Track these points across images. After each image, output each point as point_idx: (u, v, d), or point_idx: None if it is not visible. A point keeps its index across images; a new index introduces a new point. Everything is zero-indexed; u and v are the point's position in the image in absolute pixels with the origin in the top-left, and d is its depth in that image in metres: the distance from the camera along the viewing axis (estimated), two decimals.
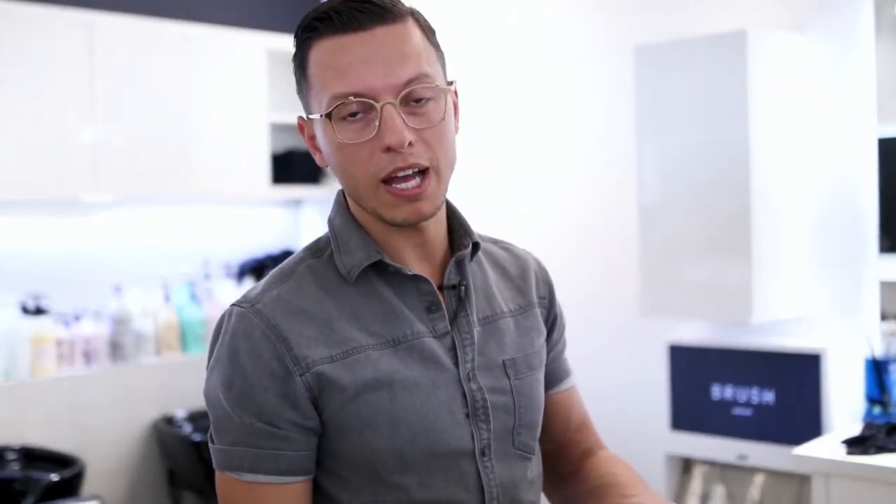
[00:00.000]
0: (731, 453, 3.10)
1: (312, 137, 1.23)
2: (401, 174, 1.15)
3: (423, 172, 1.16)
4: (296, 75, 1.22)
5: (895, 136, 3.01)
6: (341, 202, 1.27)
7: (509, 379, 1.27)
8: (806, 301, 3.07)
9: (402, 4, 1.19)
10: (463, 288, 1.26)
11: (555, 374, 1.41)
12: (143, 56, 3.83)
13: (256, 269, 4.39)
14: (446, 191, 1.21)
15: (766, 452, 3.03)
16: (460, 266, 1.26)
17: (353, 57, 1.14)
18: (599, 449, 1.44)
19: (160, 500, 3.90)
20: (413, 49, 1.17)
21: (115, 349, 3.85)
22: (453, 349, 1.23)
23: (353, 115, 1.15)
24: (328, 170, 1.24)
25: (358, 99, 1.13)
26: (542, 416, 1.33)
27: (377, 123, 1.14)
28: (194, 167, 3.96)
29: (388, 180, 1.16)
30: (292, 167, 4.32)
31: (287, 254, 4.48)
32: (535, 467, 1.32)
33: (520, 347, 1.31)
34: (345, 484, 1.20)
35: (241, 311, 1.18)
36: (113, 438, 3.76)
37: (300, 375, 1.15)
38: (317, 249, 1.26)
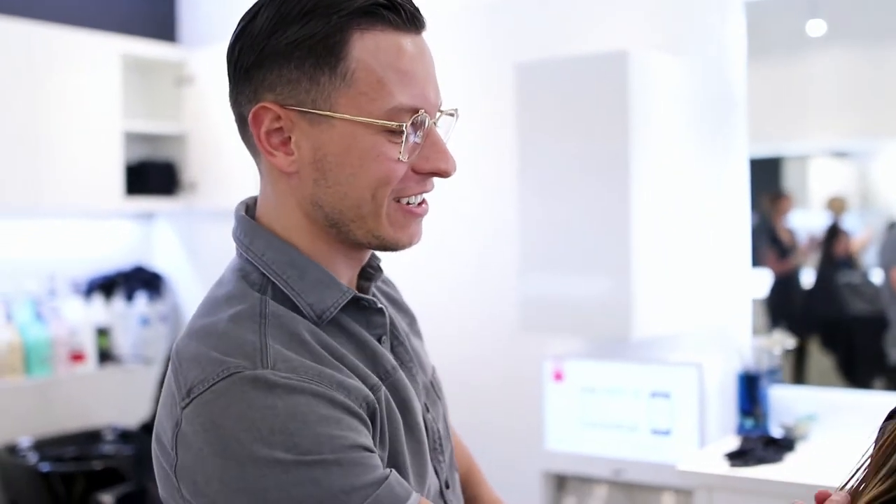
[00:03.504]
0: (608, 469, 3.12)
1: (273, 132, 1.02)
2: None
3: None
4: (309, 58, 0.99)
5: (765, 156, 3.13)
6: (263, 229, 1.06)
7: (440, 401, 1.20)
8: (682, 317, 3.14)
9: None
10: (388, 315, 1.15)
11: None
12: None
13: (105, 285, 4.14)
14: None
15: (642, 467, 3.06)
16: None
17: (414, 63, 1.02)
18: (469, 464, 1.37)
19: None
20: None
21: None
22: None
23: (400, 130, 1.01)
24: (275, 180, 1.05)
25: (424, 115, 1.02)
26: None
27: (417, 140, 1.03)
28: (41, 177, 3.69)
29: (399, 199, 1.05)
30: (147, 178, 4.10)
31: (139, 269, 4.25)
32: None
33: (430, 366, 1.24)
34: None
35: (260, 373, 0.92)
36: None
37: (367, 415, 0.99)
38: (258, 288, 1.04)
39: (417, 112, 1.01)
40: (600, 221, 2.97)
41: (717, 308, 3.12)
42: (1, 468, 3.55)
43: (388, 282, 1.30)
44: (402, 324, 1.22)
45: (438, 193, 3.89)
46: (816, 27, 3.11)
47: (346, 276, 1.10)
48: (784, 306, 4.90)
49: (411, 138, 1.02)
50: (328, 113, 1.00)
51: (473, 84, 3.61)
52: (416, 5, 1.05)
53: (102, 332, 4.01)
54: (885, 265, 3.50)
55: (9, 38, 3.60)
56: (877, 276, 3.64)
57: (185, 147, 4.16)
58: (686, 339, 3.15)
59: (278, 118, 1.02)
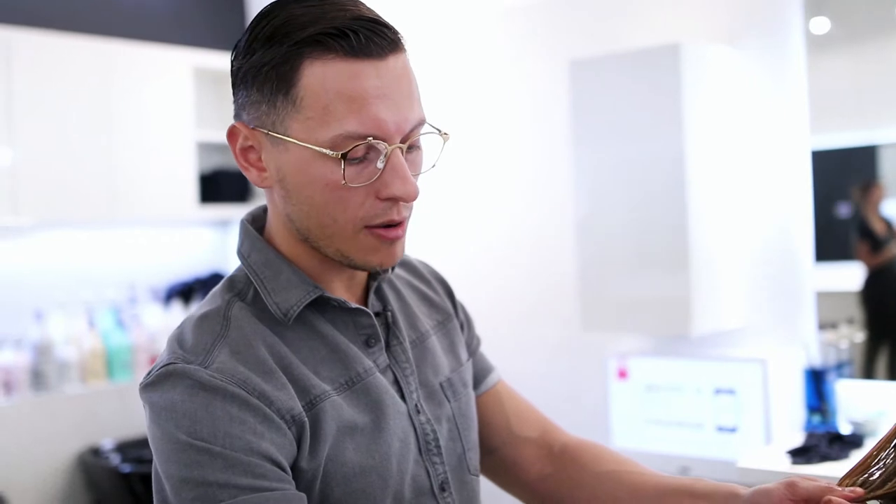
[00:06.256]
0: (674, 466, 3.08)
1: (248, 150, 1.07)
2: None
3: None
4: (267, 83, 1.03)
5: (828, 147, 3.05)
6: (254, 234, 1.13)
7: (449, 402, 1.21)
8: (744, 312, 3.08)
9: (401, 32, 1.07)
10: (389, 314, 1.18)
11: (478, 375, 1.34)
12: (63, 73, 3.70)
13: (184, 292, 4.27)
14: None
15: (708, 465, 3.02)
16: (379, 291, 1.19)
17: (367, 89, 1.00)
18: (565, 435, 1.38)
19: None
20: (416, 88, 1.06)
21: (38, 378, 3.69)
22: (396, 382, 1.14)
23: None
24: (266, 190, 1.09)
25: (375, 141, 1.00)
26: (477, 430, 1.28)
27: (379, 166, 1.02)
28: (119, 188, 3.84)
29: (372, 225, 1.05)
30: (220, 187, 4.22)
31: (216, 276, 4.37)
32: (479, 482, 1.27)
33: (451, 365, 1.24)
34: None
35: (193, 369, 1.01)
36: (36, 472, 3.60)
37: (289, 428, 1.02)
38: (238, 291, 1.11)
39: (365, 139, 1.01)
40: (658, 218, 2.94)
41: (782, 303, 3.06)
42: (85, 469, 3.69)
43: (423, 276, 1.32)
44: (421, 321, 1.24)
45: (495, 195, 3.91)
46: None
47: (337, 278, 1.13)
48: (878, 299, 4.74)
49: (372, 164, 1.02)
50: (283, 137, 1.03)
51: (527, 82, 3.61)
52: (383, 29, 1.03)
53: None
54: None
55: (85, 55, 3.75)
56: None
57: None
58: (751, 335, 3.09)
59: (247, 137, 1.07)
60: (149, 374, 1.05)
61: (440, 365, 1.22)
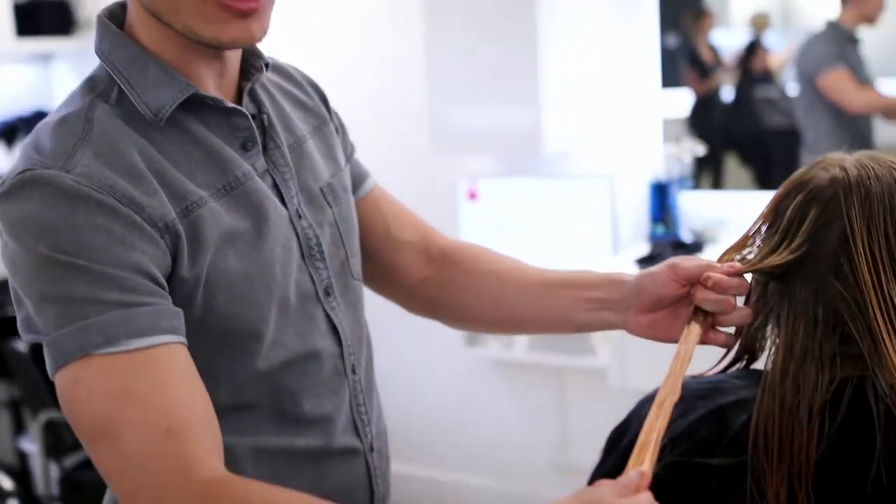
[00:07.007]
0: None
1: None
2: None
3: None
4: None
5: None
6: (113, 29, 1.04)
7: (330, 207, 1.18)
8: (594, 134, 3.12)
9: None
10: (265, 116, 1.12)
11: (355, 181, 1.31)
12: None
13: (6, 132, 3.99)
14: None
15: None
16: (252, 93, 1.13)
17: None
18: (444, 239, 1.39)
19: None
20: None
21: None
22: (276, 187, 1.10)
23: None
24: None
25: None
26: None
27: None
28: None
29: None
30: (39, 18, 3.90)
31: (40, 114, 4.11)
32: (362, 288, 1.26)
33: (330, 170, 1.21)
34: None
35: (53, 174, 0.93)
36: None
37: (161, 237, 0.96)
38: (101, 92, 1.02)
39: None
40: (507, 39, 2.89)
41: (630, 126, 3.12)
42: None
43: (296, 80, 1.26)
44: (296, 126, 1.19)
45: (347, 17, 3.68)
46: None
47: (206, 73, 1.06)
48: (704, 124, 4.95)
49: None
50: None
51: None
52: None
53: None
54: (813, 71, 3.41)
55: None
56: (794, 91, 3.64)
57: None
58: (599, 156, 3.15)
59: None
60: (1, 183, 0.96)
61: (319, 169, 1.18)
